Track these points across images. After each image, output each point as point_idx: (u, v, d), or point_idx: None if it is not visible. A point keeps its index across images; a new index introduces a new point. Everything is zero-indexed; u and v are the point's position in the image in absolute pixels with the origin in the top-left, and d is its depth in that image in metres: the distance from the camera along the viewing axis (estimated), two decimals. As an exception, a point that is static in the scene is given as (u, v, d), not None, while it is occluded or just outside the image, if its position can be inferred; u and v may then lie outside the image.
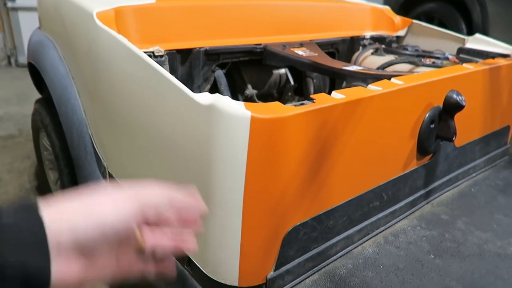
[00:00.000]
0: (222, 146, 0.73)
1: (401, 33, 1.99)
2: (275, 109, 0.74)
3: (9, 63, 4.79)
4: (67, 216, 0.37)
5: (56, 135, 1.50)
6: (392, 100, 0.97)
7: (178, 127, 0.82)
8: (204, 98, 0.76)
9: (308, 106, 0.78)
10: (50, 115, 1.55)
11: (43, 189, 2.04)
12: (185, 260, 0.92)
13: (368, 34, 1.88)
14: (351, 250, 1.02)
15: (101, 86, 1.14)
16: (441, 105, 1.10)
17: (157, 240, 0.42)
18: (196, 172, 0.79)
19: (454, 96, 1.06)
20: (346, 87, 1.31)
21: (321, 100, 0.81)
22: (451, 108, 1.06)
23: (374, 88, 0.93)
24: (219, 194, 0.76)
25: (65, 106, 1.33)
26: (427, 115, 1.07)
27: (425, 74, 1.12)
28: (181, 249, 0.44)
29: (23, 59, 4.68)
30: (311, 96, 0.82)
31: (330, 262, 0.97)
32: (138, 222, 0.41)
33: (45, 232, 0.35)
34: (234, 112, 0.71)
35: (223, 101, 0.73)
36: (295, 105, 0.78)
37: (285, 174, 0.78)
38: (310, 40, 1.62)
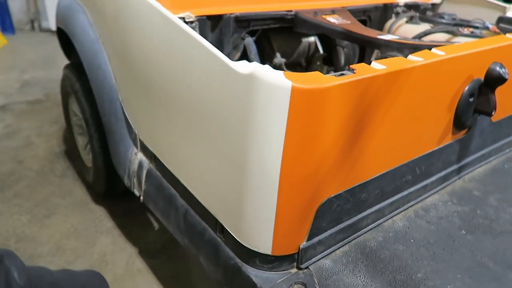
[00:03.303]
0: (262, 115, 0.72)
1: (436, 0, 1.90)
2: (315, 79, 0.73)
3: (33, 27, 4.81)
4: None
5: (86, 101, 1.52)
6: (433, 72, 0.93)
7: (215, 95, 0.81)
8: (244, 67, 0.74)
9: (349, 77, 0.75)
10: (80, 81, 1.56)
11: (72, 153, 2.09)
12: (217, 227, 0.94)
13: (402, 1, 1.80)
14: (381, 223, 1.01)
15: (132, 52, 1.13)
16: (481, 78, 1.06)
17: None
18: (233, 140, 0.79)
19: (497, 68, 1.01)
20: (381, 57, 1.27)
21: (362, 70, 0.79)
22: (493, 81, 1.02)
23: (415, 58, 0.89)
24: (256, 163, 0.76)
25: (95, 72, 1.33)
26: (466, 88, 1.03)
27: (466, 44, 1.07)
28: None
29: (46, 24, 4.68)
30: (351, 66, 0.79)
31: (361, 234, 0.97)
32: None
33: None
34: (274, 81, 0.70)
35: (263, 70, 0.71)
36: (335, 75, 0.75)
37: (323, 146, 0.77)
38: (342, 7, 1.57)
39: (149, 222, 1.69)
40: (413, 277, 0.87)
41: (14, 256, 0.33)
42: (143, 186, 1.24)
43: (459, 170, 1.21)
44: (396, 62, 0.85)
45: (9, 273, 0.31)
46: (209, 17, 1.28)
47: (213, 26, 1.31)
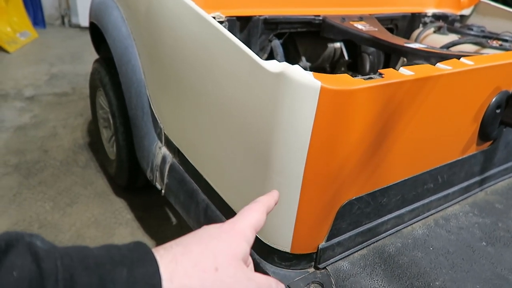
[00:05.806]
0: (289, 114, 0.73)
1: (465, 12, 1.89)
2: (344, 81, 0.74)
3: (63, 23, 4.95)
4: (182, 280, 0.36)
5: (114, 94, 1.56)
6: (460, 81, 0.93)
7: (243, 92, 0.83)
8: (274, 65, 0.76)
9: (377, 81, 0.76)
10: (109, 75, 1.60)
11: (95, 145, 2.14)
12: (237, 223, 0.95)
13: (430, 11, 1.80)
14: (401, 229, 1.01)
15: (162, 48, 1.17)
16: (509, 90, 1.05)
17: None
18: (259, 138, 0.81)
19: (527, 81, 1.01)
20: (407, 65, 1.27)
21: (390, 75, 0.79)
22: (521, 93, 1.01)
23: (443, 67, 0.90)
24: (281, 161, 0.77)
25: (125, 66, 1.37)
26: (493, 99, 1.03)
27: (495, 56, 1.07)
28: None
29: (76, 20, 4.82)
30: (380, 71, 0.80)
31: (380, 239, 0.97)
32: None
33: None
34: (304, 81, 0.71)
35: (293, 70, 0.73)
36: (363, 79, 0.76)
37: (347, 147, 0.78)
38: (370, 14, 1.57)
39: (167, 217, 1.72)
40: (431, 284, 0.87)
41: (36, 235, 0.34)
42: (165, 180, 1.27)
43: (481, 182, 1.20)
44: (424, 69, 0.86)
45: (31, 243, 0.32)
46: (239, 18, 1.30)
47: (241, 27, 1.33)
